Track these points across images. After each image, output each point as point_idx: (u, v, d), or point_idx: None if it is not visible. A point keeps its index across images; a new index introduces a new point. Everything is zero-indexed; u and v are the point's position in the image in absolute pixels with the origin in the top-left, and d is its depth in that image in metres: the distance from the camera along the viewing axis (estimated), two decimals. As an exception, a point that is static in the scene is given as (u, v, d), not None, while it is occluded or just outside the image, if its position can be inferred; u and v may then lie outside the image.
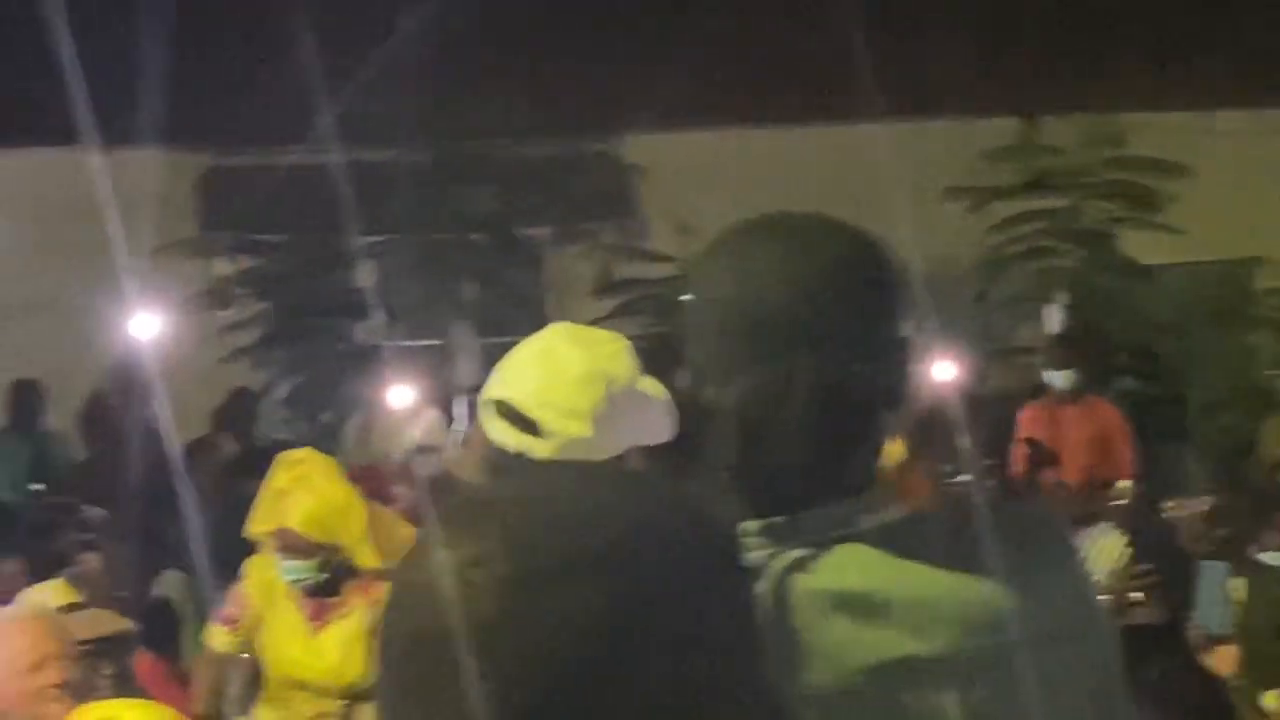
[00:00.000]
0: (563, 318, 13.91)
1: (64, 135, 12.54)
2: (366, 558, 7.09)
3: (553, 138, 15.28)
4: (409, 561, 1.44)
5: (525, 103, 14.60)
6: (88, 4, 12.03)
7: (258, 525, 6.90)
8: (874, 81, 15.82)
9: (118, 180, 12.26)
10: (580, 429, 3.38)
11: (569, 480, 1.48)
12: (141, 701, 4.73)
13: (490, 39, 14.68)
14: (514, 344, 13.05)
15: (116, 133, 12.36)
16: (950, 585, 2.20)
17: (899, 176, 15.77)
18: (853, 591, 2.17)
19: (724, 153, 15.67)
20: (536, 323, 14.01)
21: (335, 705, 6.96)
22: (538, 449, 3.37)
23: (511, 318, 15.93)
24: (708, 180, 15.41)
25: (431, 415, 12.81)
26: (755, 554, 2.18)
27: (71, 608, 6.41)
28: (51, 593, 6.66)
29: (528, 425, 3.38)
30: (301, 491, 6.88)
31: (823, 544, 2.21)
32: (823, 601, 2.17)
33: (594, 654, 1.35)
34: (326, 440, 13.82)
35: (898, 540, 2.22)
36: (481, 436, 4.99)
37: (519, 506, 1.43)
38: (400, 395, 13.12)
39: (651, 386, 3.56)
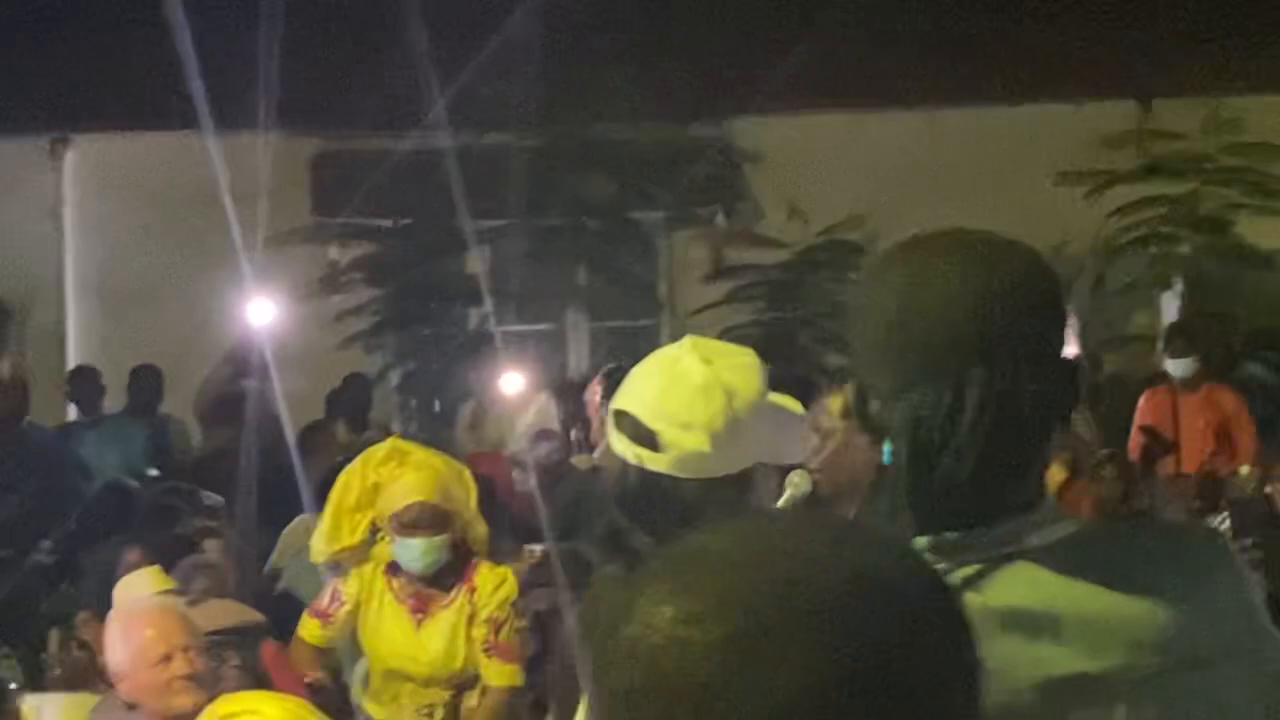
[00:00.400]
0: (675, 303, 14.00)
1: (180, 120, 12.63)
2: (479, 530, 7.13)
3: (666, 123, 15.23)
4: (617, 613, 1.39)
5: (639, 88, 14.57)
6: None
7: (367, 517, 6.91)
8: (988, 65, 15.75)
9: (232, 165, 12.33)
10: (697, 443, 3.26)
11: (782, 530, 1.43)
12: (279, 695, 4.75)
13: (605, 23, 14.65)
14: (626, 329, 13.10)
15: (231, 117, 12.43)
16: (1118, 603, 2.19)
17: (1013, 161, 15.72)
18: (1022, 609, 2.16)
19: (836, 138, 15.58)
20: (649, 308, 14.04)
21: (442, 695, 6.98)
22: (655, 462, 3.27)
23: (624, 303, 15.95)
24: (820, 166, 15.36)
25: (544, 401, 12.81)
26: None
27: (165, 594, 6.43)
28: (145, 580, 6.67)
29: (646, 437, 3.27)
30: (410, 470, 6.93)
31: (992, 561, 2.20)
32: (993, 619, 2.14)
33: (817, 713, 1.30)
34: (439, 426, 13.89)
35: (1066, 558, 2.21)
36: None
37: (733, 560, 1.38)
38: (513, 381, 13.12)
39: (786, 402, 3.47)
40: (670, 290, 15.97)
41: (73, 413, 14.00)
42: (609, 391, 11.20)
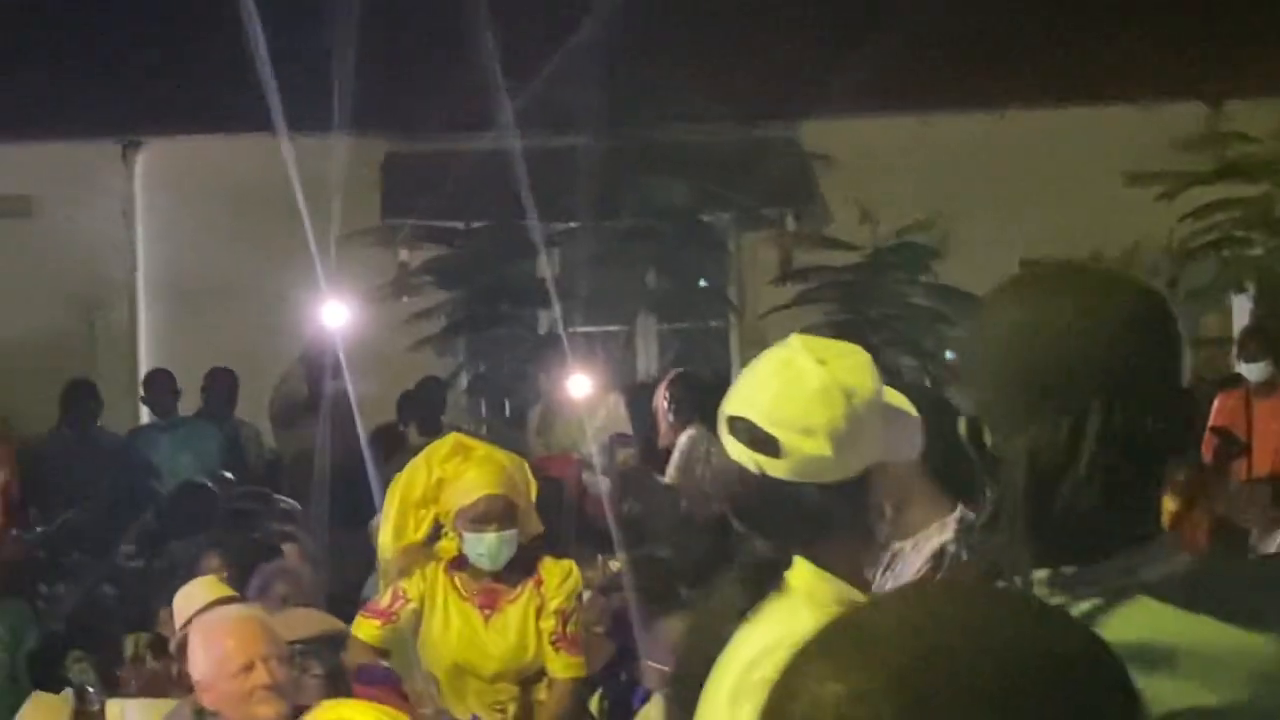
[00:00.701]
0: (745, 305, 13.94)
1: (252, 122, 12.68)
2: (534, 523, 7.11)
3: (736, 125, 15.21)
4: (781, 686, 1.37)
5: (709, 90, 14.54)
6: (277, -5, 12.13)
7: (431, 513, 6.89)
8: (1058, 66, 15.68)
9: (303, 167, 12.36)
10: (818, 448, 3.16)
11: (945, 601, 1.41)
12: (373, 705, 4.75)
13: (674, 25, 14.65)
14: (695, 330, 13.02)
15: (302, 119, 12.46)
16: (1236, 637, 2.19)
17: (1083, 163, 15.65)
18: (1141, 643, 2.14)
19: (906, 139, 15.54)
20: (718, 310, 13.99)
21: (511, 691, 6.96)
22: (775, 468, 3.17)
23: (693, 305, 15.94)
24: (890, 167, 15.32)
25: (613, 404, 12.80)
26: None
27: (222, 601, 6.41)
28: (204, 588, 6.65)
29: (765, 443, 3.17)
30: (475, 465, 6.91)
31: (1111, 595, 2.19)
32: None
33: None
34: (509, 429, 13.89)
35: (1184, 591, 2.22)
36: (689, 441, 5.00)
37: (900, 634, 1.34)
38: (582, 384, 13.11)
39: (897, 399, 3.37)
40: (740, 292, 15.95)
41: (144, 415, 14.07)
42: (675, 396, 11.25)
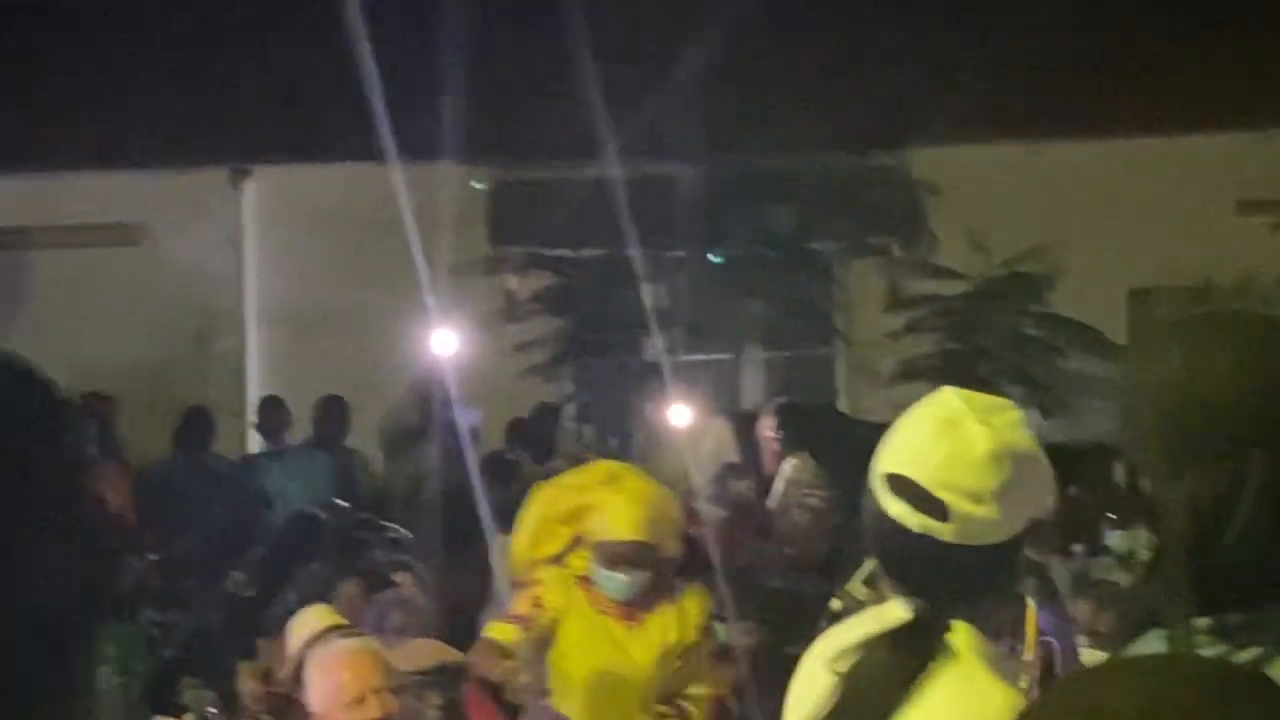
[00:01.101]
0: (851, 333, 13.80)
1: (359, 150, 12.74)
2: (674, 547, 7.00)
3: (845, 152, 15.17)
4: None
5: (818, 118, 14.50)
6: (387, 24, 12.19)
7: (562, 537, 6.83)
8: (1169, 93, 15.55)
9: (412, 196, 12.41)
10: (988, 512, 3.14)
11: (1179, 680, 1.38)
12: None
13: (784, 54, 14.62)
14: (801, 358, 12.86)
15: (410, 148, 12.51)
16: None
17: (1195, 191, 15.51)
18: None
19: (1015, 167, 15.46)
20: (825, 337, 13.85)
21: (647, 713, 6.85)
22: (941, 531, 3.15)
23: (800, 333, 15.89)
24: (999, 196, 15.24)
25: (720, 431, 12.76)
26: (1206, 652, 2.12)
27: (331, 630, 6.41)
28: (314, 616, 6.65)
29: (931, 505, 3.15)
30: (626, 501, 6.76)
31: (1275, 643, 2.15)
32: None
33: None
34: (615, 457, 13.87)
35: None
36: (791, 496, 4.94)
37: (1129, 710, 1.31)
38: (688, 411, 13.07)
39: (1039, 452, 3.32)
40: (847, 320, 15.90)
41: (253, 442, 14.13)
42: (780, 424, 11.19)
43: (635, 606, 6.80)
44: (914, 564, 3.17)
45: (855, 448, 3.54)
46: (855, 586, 6.17)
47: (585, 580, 6.83)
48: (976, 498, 3.12)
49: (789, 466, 11.12)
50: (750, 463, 11.81)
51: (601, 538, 6.70)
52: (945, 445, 3.16)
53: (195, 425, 12.87)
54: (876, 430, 3.37)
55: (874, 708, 3.12)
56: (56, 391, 1.26)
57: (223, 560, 10.09)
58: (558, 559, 6.92)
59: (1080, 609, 7.39)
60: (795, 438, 10.95)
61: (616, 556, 6.69)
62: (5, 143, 14.06)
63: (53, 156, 14.62)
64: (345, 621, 6.60)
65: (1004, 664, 3.22)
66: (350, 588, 7.50)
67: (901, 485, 3.16)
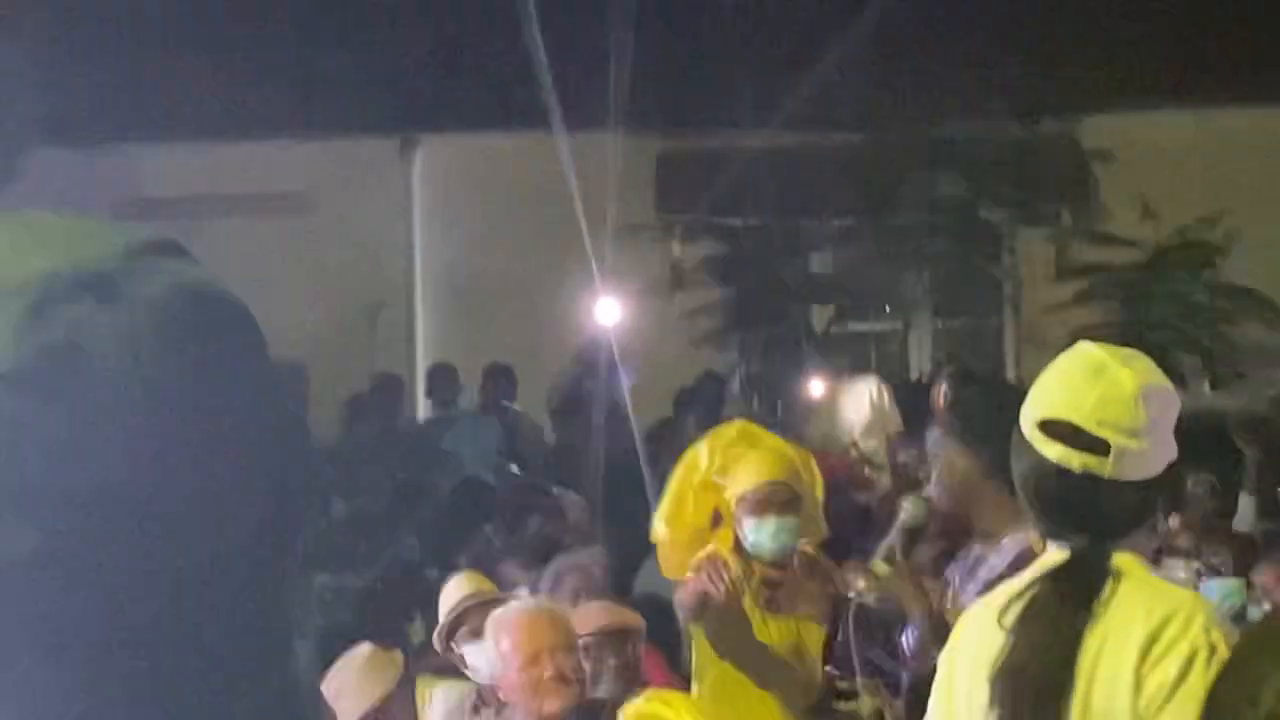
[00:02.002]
0: (1022, 302, 13.73)
1: (528, 119, 12.78)
2: (819, 525, 6.90)
3: (1015, 121, 15.04)
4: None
5: (988, 86, 14.38)
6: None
7: (703, 509, 6.77)
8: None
9: (580, 164, 12.43)
10: (1140, 446, 3.46)
11: None
12: (688, 697, 4.75)
13: (954, 22, 14.50)
14: (970, 328, 12.83)
15: (578, 116, 12.53)
16: None
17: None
18: None
19: (1187, 135, 15.24)
20: (994, 307, 13.81)
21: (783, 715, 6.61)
22: (1101, 467, 3.45)
23: (969, 302, 15.78)
24: (1170, 164, 15.04)
25: (883, 399, 12.68)
26: None
27: (473, 597, 6.45)
28: (464, 582, 6.69)
29: (1091, 445, 3.45)
30: (759, 451, 6.74)
31: None
32: None
33: None
34: (782, 425, 13.84)
35: None
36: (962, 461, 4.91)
37: None
38: (854, 380, 13.03)
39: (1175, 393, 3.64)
40: (1016, 289, 15.77)
41: (422, 409, 14.24)
42: (954, 394, 11.12)
43: (779, 586, 6.65)
44: (1072, 505, 3.48)
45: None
46: (877, 564, 6.23)
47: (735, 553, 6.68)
48: (1131, 432, 3.45)
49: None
50: (918, 432, 11.76)
51: (742, 490, 6.62)
52: (1098, 388, 3.48)
53: (385, 391, 13.08)
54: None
55: (1049, 646, 3.39)
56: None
57: (397, 524, 10.19)
58: (702, 531, 6.80)
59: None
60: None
61: (759, 504, 6.59)
62: (177, 112, 14.24)
63: (222, 126, 14.77)
64: (494, 589, 6.65)
65: (1173, 579, 3.47)
66: (512, 567, 7.53)
67: (1058, 430, 3.47)
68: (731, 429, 7.07)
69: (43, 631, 1.13)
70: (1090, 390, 3.48)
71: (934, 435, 6.10)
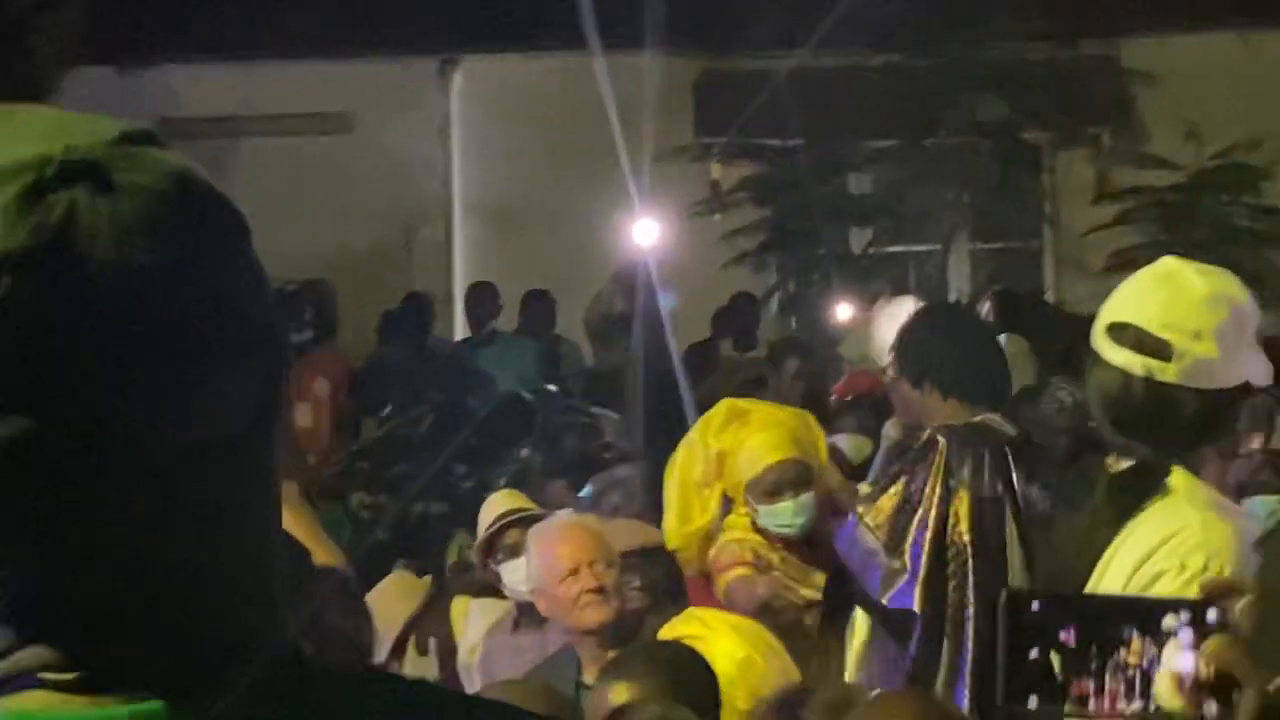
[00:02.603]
0: (1062, 224, 13.68)
1: (566, 41, 12.74)
2: (835, 477, 6.65)
3: (1057, 42, 14.95)
4: None
5: (1030, 6, 14.30)
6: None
7: (716, 491, 6.52)
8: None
9: (617, 86, 12.40)
10: (1207, 350, 3.35)
11: None
12: (741, 622, 4.78)
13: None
14: (1010, 250, 12.80)
15: (616, 38, 12.49)
16: None
17: None
18: None
19: (1231, 58, 15.12)
20: (1034, 229, 13.77)
21: None
22: (1165, 372, 3.36)
23: (1009, 224, 15.74)
24: (1213, 86, 14.94)
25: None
26: None
27: (511, 513, 6.48)
28: (502, 498, 6.73)
29: (1155, 347, 3.36)
30: (756, 430, 6.35)
31: None
32: None
33: None
34: (822, 345, 13.84)
35: None
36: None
37: None
38: (893, 302, 13.00)
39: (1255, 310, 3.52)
40: (1056, 211, 15.72)
41: (459, 329, 14.27)
42: (1001, 315, 11.11)
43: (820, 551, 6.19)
44: (1137, 412, 3.38)
45: (1066, 337, 3.69)
46: (864, 486, 6.24)
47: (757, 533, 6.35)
48: (1196, 335, 3.34)
49: (1007, 341, 11.12)
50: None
51: (749, 477, 6.25)
52: (1165, 290, 3.41)
53: (415, 310, 13.09)
54: (1086, 322, 3.58)
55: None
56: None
57: (435, 443, 10.22)
58: (715, 527, 6.44)
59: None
60: (1010, 325, 10.93)
61: (772, 486, 6.20)
62: (217, 32, 14.23)
63: (264, 46, 14.77)
64: (532, 506, 6.68)
65: (1223, 508, 3.39)
66: (559, 487, 7.54)
67: (1124, 333, 3.39)
68: (718, 412, 6.58)
69: (28, 516, 1.17)
70: (1158, 293, 3.41)
71: None
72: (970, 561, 5.34)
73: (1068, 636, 1.82)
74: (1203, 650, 1.77)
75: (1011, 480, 5.40)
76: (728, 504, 6.45)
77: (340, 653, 3.31)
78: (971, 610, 5.32)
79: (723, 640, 5.06)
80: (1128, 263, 14.30)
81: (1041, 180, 15.78)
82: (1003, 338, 10.89)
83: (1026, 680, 1.82)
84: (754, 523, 6.31)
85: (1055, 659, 1.84)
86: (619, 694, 4.10)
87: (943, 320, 6.50)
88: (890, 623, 5.52)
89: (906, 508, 5.41)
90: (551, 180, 14.53)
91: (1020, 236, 15.91)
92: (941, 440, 5.41)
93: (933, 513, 5.37)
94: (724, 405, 6.67)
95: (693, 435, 6.66)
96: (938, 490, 5.37)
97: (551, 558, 5.44)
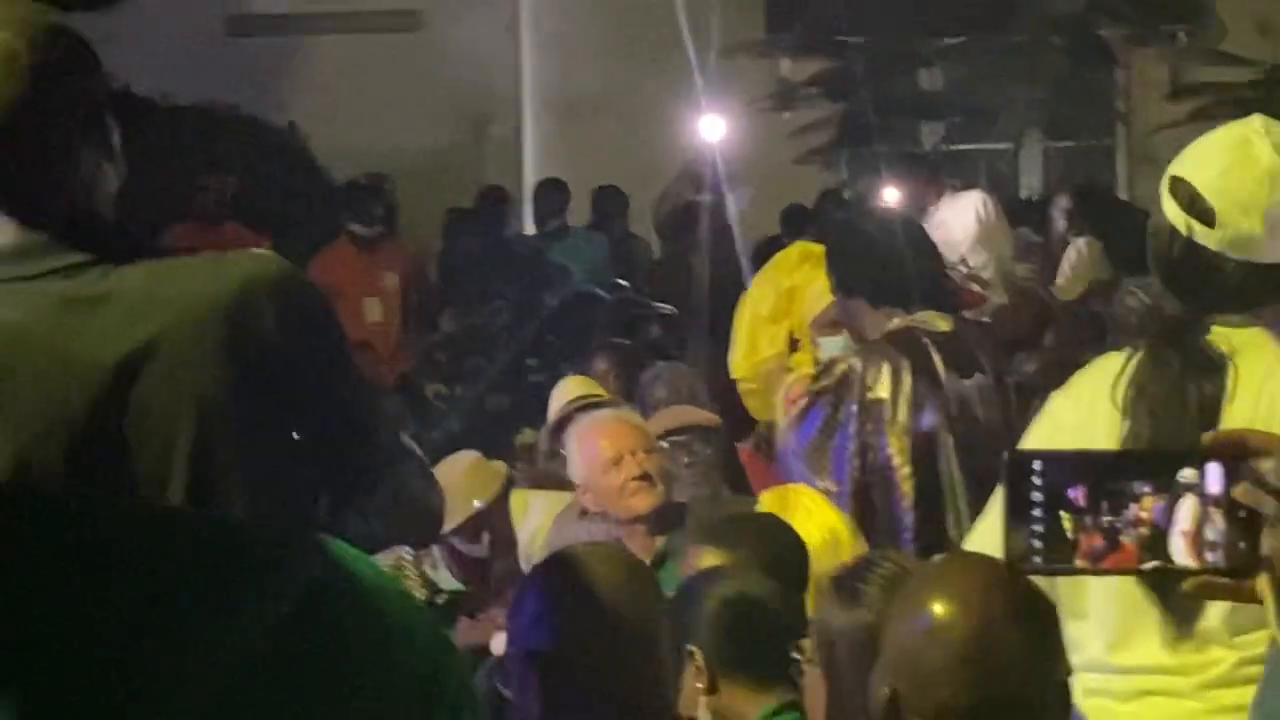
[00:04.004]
0: (1133, 122, 13.55)
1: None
2: None
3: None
4: None
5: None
6: None
7: (784, 327, 6.62)
8: None
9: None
10: (1251, 225, 3.24)
11: None
12: (821, 505, 4.79)
13: None
14: (1082, 148, 12.71)
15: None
16: None
17: None
18: None
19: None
20: (1106, 126, 13.64)
21: None
22: (1205, 236, 3.27)
23: (1082, 121, 15.64)
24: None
25: (990, 214, 12.56)
26: None
27: (582, 399, 6.53)
28: (574, 385, 6.76)
29: (1201, 211, 3.26)
30: (822, 272, 6.49)
31: None
32: None
33: None
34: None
35: None
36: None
37: None
38: (963, 199, 12.93)
39: None
40: (1129, 109, 15.61)
41: (530, 224, 14.29)
42: (1077, 211, 11.07)
43: None
44: (1179, 266, 3.31)
45: (1139, 235, 3.65)
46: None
47: None
48: (1245, 209, 3.23)
49: (1073, 250, 11.08)
50: (1033, 249, 11.72)
51: (815, 312, 6.41)
52: (1230, 156, 3.27)
53: (493, 204, 13.15)
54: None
55: (1172, 411, 3.22)
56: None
57: (508, 336, 10.28)
58: (780, 362, 6.67)
59: None
60: (1082, 222, 10.89)
61: (832, 319, 6.21)
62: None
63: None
64: (602, 392, 6.74)
65: None
66: (600, 363, 7.56)
67: (1180, 188, 3.28)
68: (793, 252, 6.87)
69: None
70: (1222, 157, 3.28)
71: None
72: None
73: (1076, 495, 1.81)
74: (1232, 490, 1.76)
75: (939, 379, 5.14)
76: (793, 346, 6.65)
77: (419, 527, 3.34)
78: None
79: (817, 514, 5.06)
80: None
81: (1115, 77, 15.67)
82: (1080, 240, 10.93)
83: (1029, 537, 1.82)
84: (817, 359, 6.39)
85: (1066, 519, 1.82)
86: (708, 559, 4.09)
87: (861, 227, 6.10)
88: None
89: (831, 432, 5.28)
90: (620, 76, 14.50)
91: (1093, 134, 15.82)
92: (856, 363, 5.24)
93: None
94: (797, 246, 7.02)
95: (766, 272, 6.96)
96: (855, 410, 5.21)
97: (594, 450, 5.49)
